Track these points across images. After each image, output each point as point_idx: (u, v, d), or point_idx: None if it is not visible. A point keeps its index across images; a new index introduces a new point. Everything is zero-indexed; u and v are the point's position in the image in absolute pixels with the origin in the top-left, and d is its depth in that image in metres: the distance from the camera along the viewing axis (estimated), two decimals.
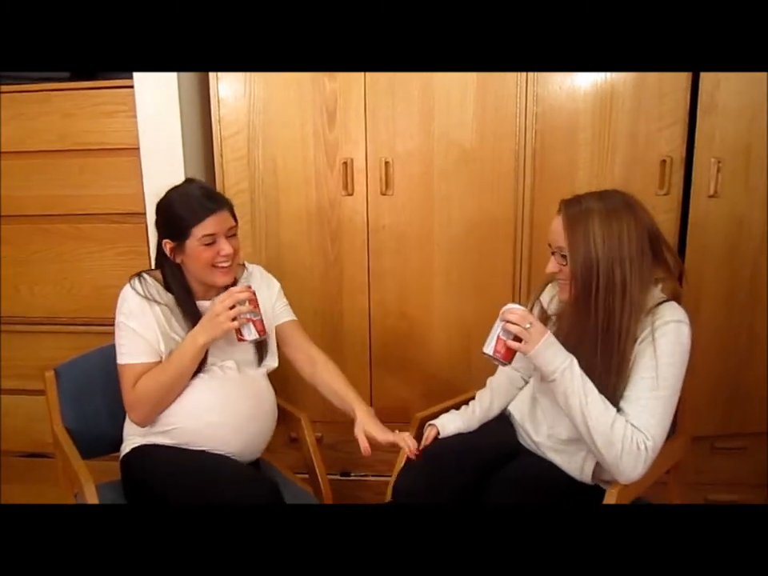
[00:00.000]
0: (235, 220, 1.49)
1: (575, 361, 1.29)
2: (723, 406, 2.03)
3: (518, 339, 1.28)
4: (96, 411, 1.60)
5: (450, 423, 1.54)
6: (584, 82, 1.84)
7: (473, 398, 1.61)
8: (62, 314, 2.05)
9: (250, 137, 1.94)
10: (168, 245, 1.47)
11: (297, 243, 2.01)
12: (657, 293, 1.35)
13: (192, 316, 1.47)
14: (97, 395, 1.59)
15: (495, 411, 1.60)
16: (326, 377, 1.60)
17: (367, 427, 1.45)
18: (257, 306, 1.42)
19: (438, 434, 1.52)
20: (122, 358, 1.46)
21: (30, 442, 2.13)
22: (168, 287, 1.50)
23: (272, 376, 1.66)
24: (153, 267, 1.58)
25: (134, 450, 1.50)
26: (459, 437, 1.52)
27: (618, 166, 1.88)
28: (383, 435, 1.44)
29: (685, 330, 1.30)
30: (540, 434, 1.48)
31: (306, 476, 1.65)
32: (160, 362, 1.46)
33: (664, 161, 1.85)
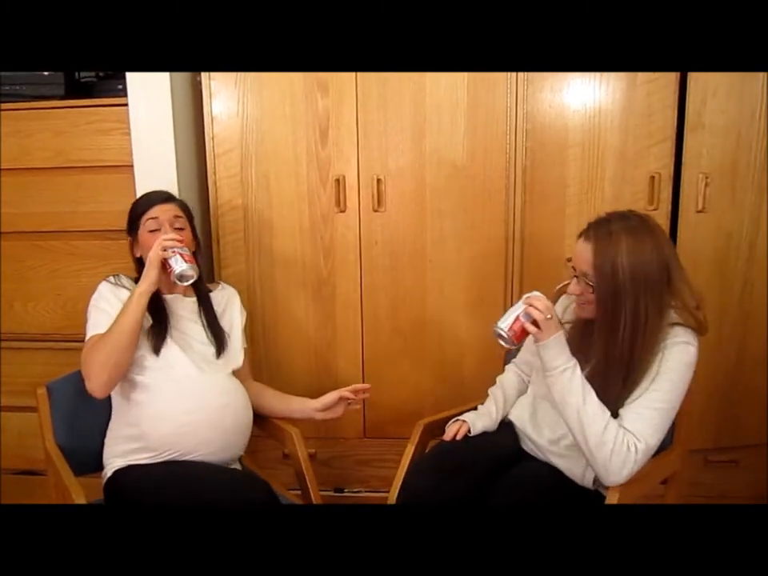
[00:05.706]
0: (188, 216, 1.63)
1: (578, 366, 1.32)
2: (716, 419, 2.05)
3: (535, 325, 1.31)
4: (88, 428, 1.59)
5: (479, 421, 1.55)
6: (573, 100, 1.87)
7: (475, 408, 1.62)
8: (55, 330, 2.05)
9: (243, 154, 1.96)
10: (130, 242, 1.61)
11: (290, 260, 2.03)
12: (672, 317, 1.36)
13: (154, 304, 1.51)
14: (89, 412, 1.58)
15: (509, 409, 1.61)
16: (269, 398, 1.71)
17: (318, 402, 1.63)
18: (184, 243, 1.50)
19: (470, 431, 1.53)
20: (87, 335, 1.50)
21: (23, 459, 2.12)
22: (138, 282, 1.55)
23: None
24: None
25: (116, 473, 1.50)
26: (462, 440, 1.53)
27: (607, 182, 1.90)
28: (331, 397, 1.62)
29: (692, 351, 1.34)
30: (543, 437, 1.50)
31: (299, 492, 1.65)
32: None
33: (653, 177, 1.88)
